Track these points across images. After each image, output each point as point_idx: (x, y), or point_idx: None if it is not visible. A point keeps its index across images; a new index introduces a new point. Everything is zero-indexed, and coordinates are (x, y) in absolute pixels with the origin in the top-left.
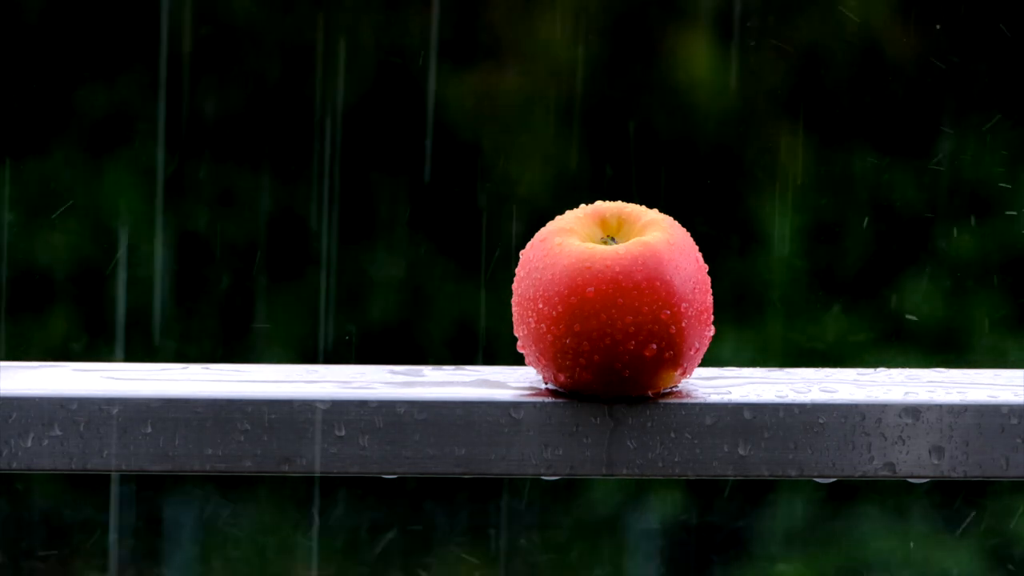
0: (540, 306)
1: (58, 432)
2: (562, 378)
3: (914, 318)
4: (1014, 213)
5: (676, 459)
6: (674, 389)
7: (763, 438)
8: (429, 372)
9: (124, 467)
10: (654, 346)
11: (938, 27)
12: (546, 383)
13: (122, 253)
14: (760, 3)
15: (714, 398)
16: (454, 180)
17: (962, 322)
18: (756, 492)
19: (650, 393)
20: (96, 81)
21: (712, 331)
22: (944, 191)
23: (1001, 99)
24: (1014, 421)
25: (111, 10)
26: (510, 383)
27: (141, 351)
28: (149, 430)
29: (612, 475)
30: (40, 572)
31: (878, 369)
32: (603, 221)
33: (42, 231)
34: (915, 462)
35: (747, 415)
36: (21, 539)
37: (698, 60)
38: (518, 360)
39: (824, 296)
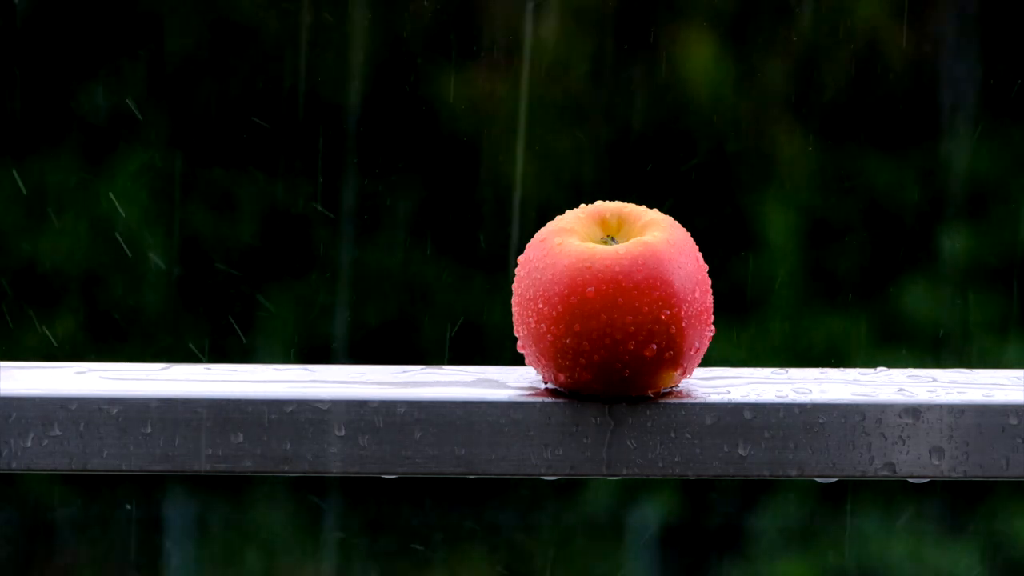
0: (540, 306)
1: (58, 432)
2: (562, 378)
3: (914, 318)
4: (1014, 213)
5: (676, 459)
6: (674, 389)
7: (763, 438)
8: (429, 372)
9: (124, 467)
10: (654, 346)
11: (938, 26)
12: (546, 383)
13: (122, 253)
14: (760, 2)
15: (714, 398)
16: (454, 179)
17: (962, 322)
18: (755, 492)
19: (650, 393)
20: (96, 81)
21: (712, 331)
22: (944, 191)
23: (1001, 99)
24: (1014, 421)
25: (111, 9)
26: (510, 383)
27: (141, 351)
28: (149, 430)
29: (612, 475)
30: (41, 572)
31: (878, 369)
32: (603, 221)
33: (42, 231)
34: (915, 462)
35: (747, 415)
36: (21, 539)
37: (698, 59)
38: (518, 360)
39: (824, 296)
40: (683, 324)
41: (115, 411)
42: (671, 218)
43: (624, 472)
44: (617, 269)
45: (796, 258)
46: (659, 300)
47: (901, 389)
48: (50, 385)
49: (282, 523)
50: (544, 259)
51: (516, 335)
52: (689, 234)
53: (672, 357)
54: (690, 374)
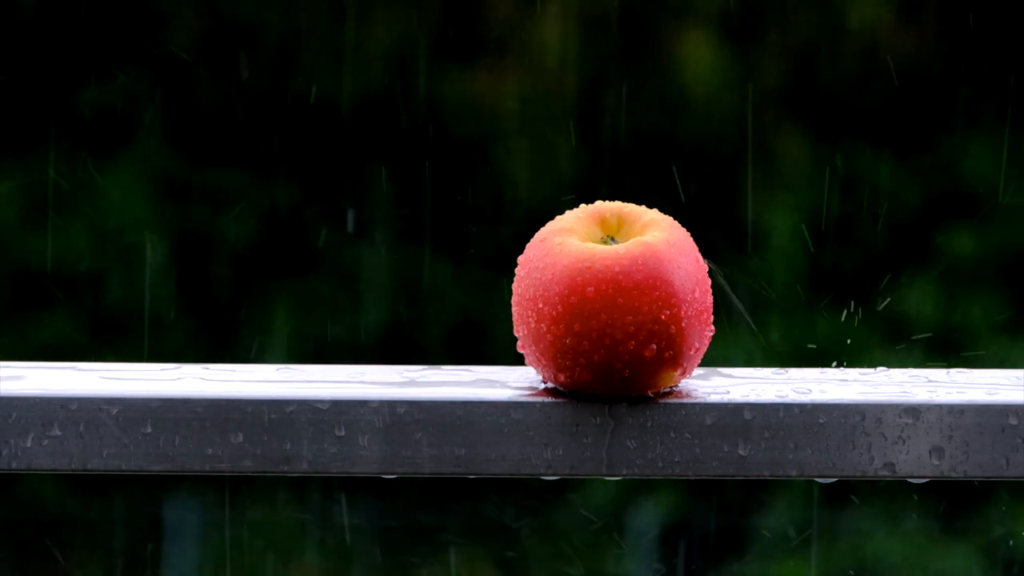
0: (540, 306)
1: (58, 432)
2: (562, 378)
3: (914, 318)
4: (1015, 213)
5: (676, 459)
6: (674, 389)
7: (763, 438)
8: (429, 372)
9: (124, 467)
10: (654, 346)
11: (938, 27)
12: (546, 383)
13: (122, 253)
14: (760, 2)
15: (714, 398)
16: (454, 179)
17: (962, 322)
18: (756, 492)
19: (650, 393)
20: (96, 80)
21: (712, 331)
22: (944, 191)
23: (1001, 99)
24: (1014, 421)
25: (111, 9)
26: (510, 383)
27: (141, 351)
28: (149, 430)
29: (612, 475)
30: (40, 572)
31: (878, 369)
32: (603, 221)
33: (42, 231)
34: (915, 462)
35: (747, 415)
36: (20, 539)
37: (698, 59)
38: (518, 360)
39: (824, 296)
40: (683, 324)
41: (115, 411)
42: (671, 218)
43: (624, 472)
44: (617, 269)
45: (796, 258)
46: (659, 300)
47: (901, 389)
48: (50, 385)
49: (282, 523)
50: (544, 259)
51: (516, 335)
52: (689, 234)
53: (672, 357)
54: (690, 374)
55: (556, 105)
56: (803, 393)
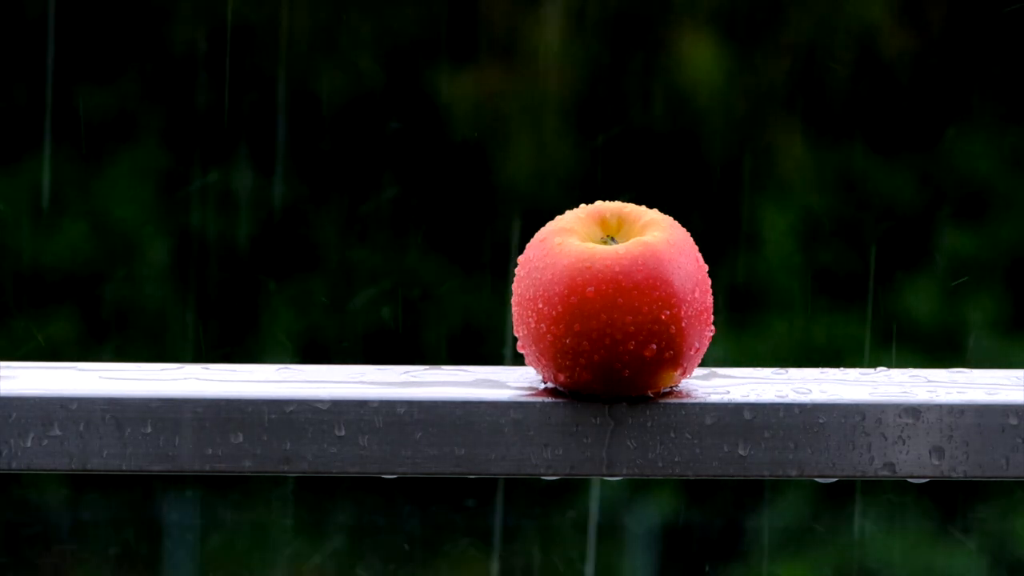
0: (540, 306)
1: (58, 432)
2: (562, 378)
3: (914, 318)
4: (1014, 213)
5: (676, 459)
6: (674, 389)
7: (763, 438)
8: (429, 372)
9: (124, 467)
10: (654, 346)
11: (937, 26)
12: (546, 383)
13: (122, 253)
14: (760, 2)
15: (714, 398)
16: (454, 179)
17: (961, 322)
18: (756, 492)
19: (650, 393)
20: (97, 81)
21: (712, 331)
22: (943, 191)
23: (1000, 98)
24: (1014, 421)
25: (112, 9)
26: (510, 383)
27: (141, 351)
28: (149, 430)
29: (612, 475)
30: (40, 572)
31: (878, 369)
32: (603, 221)
33: (42, 231)
34: (915, 462)
35: (747, 415)
36: (20, 539)
37: (698, 59)
38: (518, 360)
39: (823, 296)
40: (683, 324)
41: (115, 411)
42: (671, 218)
43: (624, 472)
44: (617, 269)
45: (796, 258)
46: (659, 300)
47: (901, 389)
48: (50, 385)
49: (282, 523)
50: (544, 259)
51: (516, 335)
52: (689, 234)
53: (672, 357)
54: (690, 374)
55: (556, 104)
56: (803, 393)
